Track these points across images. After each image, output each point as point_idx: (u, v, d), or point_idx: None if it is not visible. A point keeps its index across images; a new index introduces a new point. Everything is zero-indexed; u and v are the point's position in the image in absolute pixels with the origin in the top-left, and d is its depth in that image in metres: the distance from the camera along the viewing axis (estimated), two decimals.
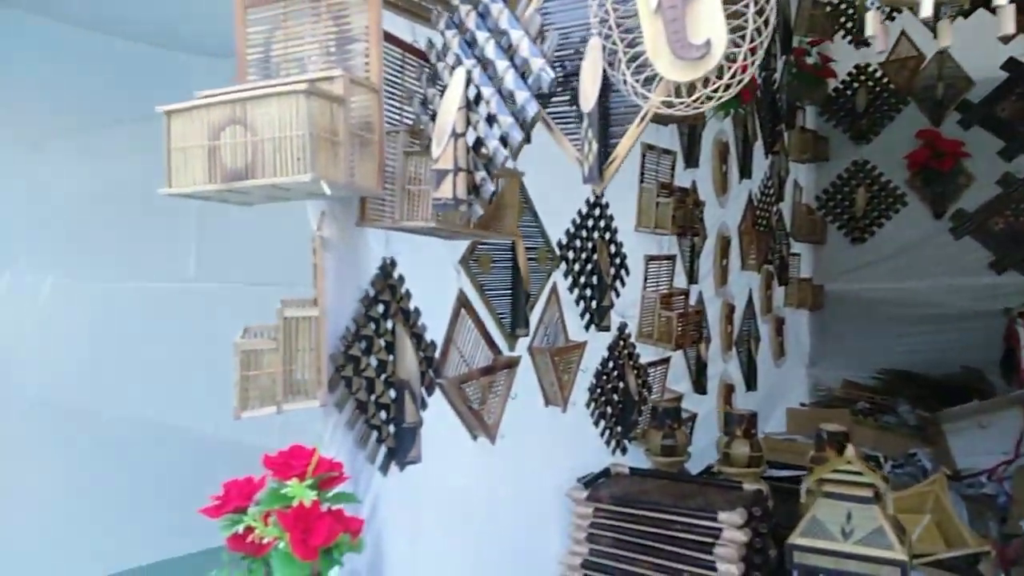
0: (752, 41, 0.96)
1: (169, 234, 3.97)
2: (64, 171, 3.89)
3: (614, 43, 1.08)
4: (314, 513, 1.10)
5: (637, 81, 1.06)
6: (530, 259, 2.13)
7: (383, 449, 1.61)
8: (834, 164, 4.46)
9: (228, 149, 1.24)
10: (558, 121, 1.31)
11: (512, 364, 2.03)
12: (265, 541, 1.07)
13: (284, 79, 1.30)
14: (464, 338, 1.93)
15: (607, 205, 2.49)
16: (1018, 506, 2.72)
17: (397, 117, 1.55)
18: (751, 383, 3.84)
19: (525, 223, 2.09)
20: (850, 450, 1.88)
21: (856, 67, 4.35)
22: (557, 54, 1.20)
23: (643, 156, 2.63)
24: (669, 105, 1.04)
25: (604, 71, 1.11)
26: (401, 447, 1.62)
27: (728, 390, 3.62)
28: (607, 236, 2.51)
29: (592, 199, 2.41)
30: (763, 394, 3.95)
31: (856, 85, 4.35)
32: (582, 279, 2.40)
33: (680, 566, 2.03)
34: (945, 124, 4.07)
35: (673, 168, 2.84)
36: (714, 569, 1.96)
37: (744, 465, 2.48)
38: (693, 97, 1.01)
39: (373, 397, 1.56)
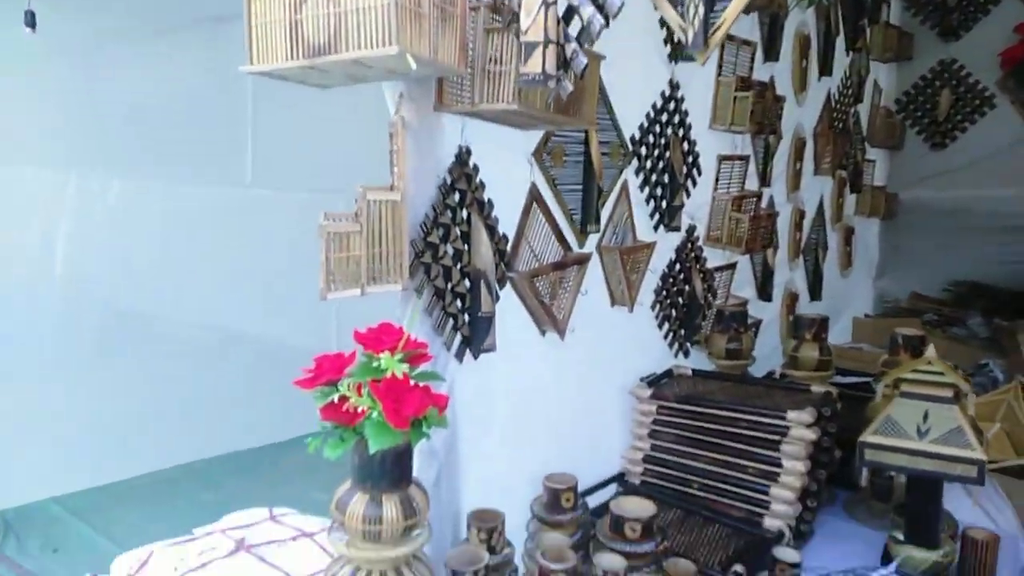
0: None
1: (227, 140, 4.02)
2: (123, 76, 3.91)
3: None
4: (405, 385, 1.12)
5: None
6: (603, 154, 2.08)
7: (458, 337, 1.63)
8: (918, 63, 4.17)
9: (310, 22, 1.20)
10: None
11: (582, 260, 2.01)
12: (359, 410, 1.10)
13: None
14: (535, 232, 1.92)
15: (683, 99, 2.39)
16: None
17: None
18: (816, 293, 3.76)
19: (599, 115, 2.02)
20: (931, 350, 1.83)
21: None
22: None
23: (722, 47, 2.49)
24: None
25: None
26: (476, 336, 1.64)
27: (792, 299, 3.55)
28: (681, 133, 2.42)
29: (668, 92, 2.32)
30: (827, 305, 3.86)
31: None
32: (654, 177, 2.34)
33: (744, 462, 2.05)
34: None
35: (752, 61, 2.69)
36: (780, 465, 1.98)
37: (812, 369, 2.46)
38: None
39: (450, 285, 1.57)
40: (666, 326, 2.58)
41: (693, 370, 2.49)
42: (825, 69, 3.32)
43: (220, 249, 3.99)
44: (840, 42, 3.51)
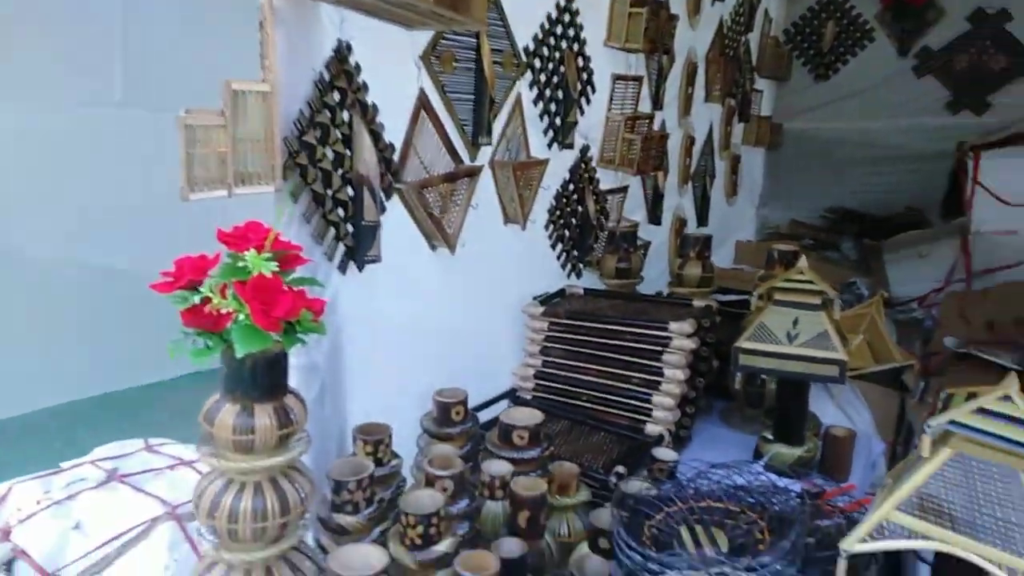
0: None
1: (92, 53, 3.64)
2: None
3: None
4: (275, 286, 1.06)
5: None
6: (495, 63, 2.01)
7: (341, 247, 1.56)
8: None
9: None
10: None
11: (473, 173, 1.96)
12: (224, 312, 1.04)
13: None
14: (424, 142, 1.85)
15: (577, 12, 2.34)
16: (942, 328, 2.90)
17: None
18: (703, 218, 3.89)
19: (491, 21, 1.95)
20: (802, 261, 1.92)
21: None
22: None
23: None
24: None
25: None
26: (360, 245, 1.58)
27: (681, 223, 3.66)
28: (576, 48, 2.38)
29: (562, 3, 2.26)
30: (713, 230, 4.00)
31: None
32: (548, 92, 2.30)
33: (629, 373, 2.11)
34: None
35: None
36: (661, 374, 2.05)
37: (696, 285, 2.55)
38: None
39: (330, 192, 1.49)
40: (559, 246, 2.60)
41: (585, 289, 2.53)
42: None
43: (86, 176, 3.66)
44: None
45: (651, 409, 2.05)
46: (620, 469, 1.74)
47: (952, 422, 1.12)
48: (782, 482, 1.67)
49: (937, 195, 3.89)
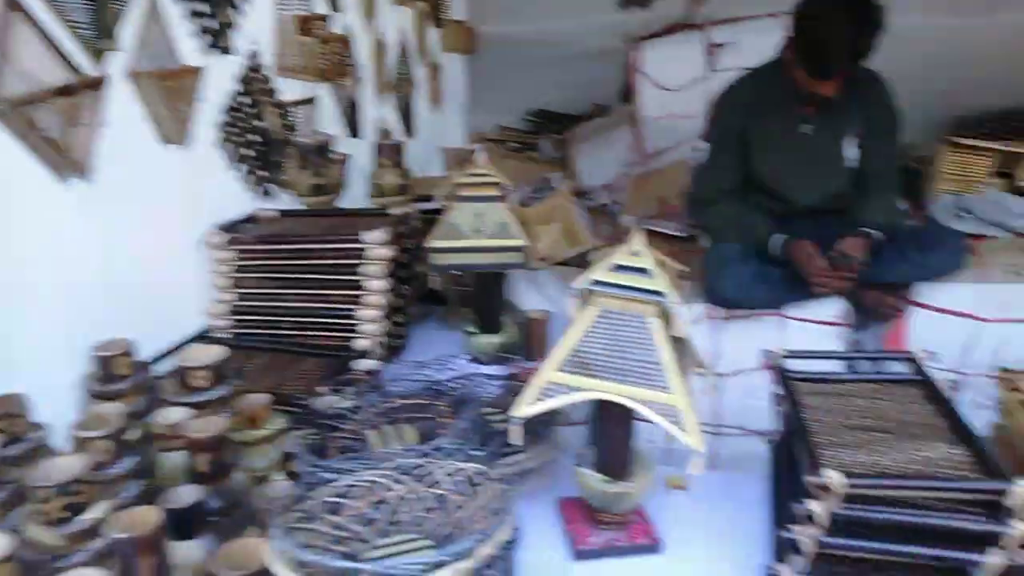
0: None
1: None
2: None
3: None
4: None
5: None
6: None
7: None
8: None
9: None
10: None
11: (97, 84, 1.66)
12: None
13: None
14: (22, 51, 1.50)
15: None
16: (625, 209, 3.19)
17: None
18: (409, 129, 3.82)
19: None
20: (480, 157, 1.94)
21: None
22: None
23: None
24: None
25: None
26: None
27: (386, 135, 3.56)
28: None
29: None
30: (423, 140, 3.98)
31: None
32: None
33: (330, 291, 2.02)
34: None
35: None
36: (360, 287, 1.99)
37: (394, 194, 2.50)
38: None
39: None
40: (243, 167, 2.36)
41: (280, 211, 2.35)
42: None
43: None
44: None
45: (356, 324, 1.99)
46: (320, 389, 1.66)
47: (594, 281, 1.19)
48: (484, 369, 1.72)
49: (618, 88, 4.20)
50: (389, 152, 2.46)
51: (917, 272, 2.21)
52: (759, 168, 2.34)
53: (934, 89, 3.85)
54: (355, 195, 2.79)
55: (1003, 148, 2.62)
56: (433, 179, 3.32)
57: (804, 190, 2.33)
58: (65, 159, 1.58)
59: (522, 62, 4.50)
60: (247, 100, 2.34)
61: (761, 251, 2.24)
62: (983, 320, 2.18)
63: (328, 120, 2.95)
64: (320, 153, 2.51)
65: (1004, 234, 2.42)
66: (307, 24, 2.53)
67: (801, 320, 2.24)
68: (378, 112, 3.47)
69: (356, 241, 1.99)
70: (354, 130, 3.16)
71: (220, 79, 2.18)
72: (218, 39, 2.13)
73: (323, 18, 2.65)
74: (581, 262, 2.77)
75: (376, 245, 1.99)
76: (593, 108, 4.41)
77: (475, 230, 1.85)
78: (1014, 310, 2.17)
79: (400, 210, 2.27)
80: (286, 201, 2.52)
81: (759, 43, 2.53)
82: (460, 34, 4.34)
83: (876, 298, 2.26)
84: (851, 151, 2.29)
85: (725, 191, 2.35)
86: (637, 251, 1.18)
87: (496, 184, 1.88)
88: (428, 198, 2.78)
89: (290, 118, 2.60)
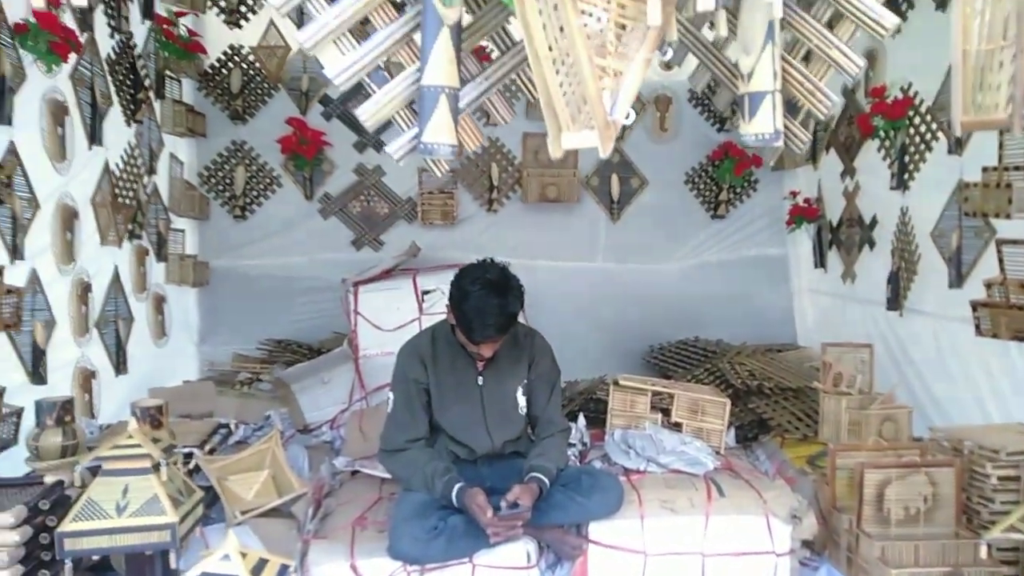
0: None
1: None
2: None
3: None
4: None
5: None
6: None
7: None
8: (214, 141, 4.49)
9: None
10: None
11: None
12: None
13: None
14: None
15: None
16: (347, 445, 3.18)
17: None
18: (120, 367, 3.60)
19: None
20: (131, 424, 1.86)
21: (230, 47, 4.45)
22: None
23: None
24: None
25: None
26: None
27: (88, 376, 3.31)
28: None
29: None
30: (142, 376, 3.75)
31: (231, 65, 4.45)
32: None
33: None
34: (310, 114, 4.50)
35: None
36: None
37: (59, 456, 2.28)
38: None
39: None
40: None
41: None
42: (96, 138, 3.24)
43: None
44: (117, 112, 3.49)
45: None
46: None
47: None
48: None
49: None
50: (52, 409, 2.27)
51: (582, 514, 2.40)
52: (440, 418, 2.50)
53: (628, 322, 4.57)
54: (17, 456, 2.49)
55: (660, 388, 3.04)
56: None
57: (481, 438, 2.51)
58: None
59: (258, 294, 4.57)
60: None
61: (447, 500, 2.31)
62: (647, 554, 2.38)
63: (7, 368, 2.70)
64: None
65: (658, 469, 2.73)
66: None
67: (492, 567, 2.30)
68: (78, 352, 3.24)
69: None
70: (39, 377, 2.90)
71: None
72: None
73: None
74: (288, 511, 2.66)
75: (3, 529, 1.76)
76: (333, 336, 4.51)
77: (120, 508, 1.72)
78: (672, 544, 2.40)
79: (56, 477, 2.05)
80: None
81: None
82: (187, 267, 4.31)
83: (558, 537, 2.41)
84: (521, 400, 2.54)
85: (412, 439, 2.45)
86: (229, 556, 1.16)
87: (146, 456, 1.79)
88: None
89: None
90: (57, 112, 2.94)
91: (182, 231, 4.34)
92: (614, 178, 4.71)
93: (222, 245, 4.57)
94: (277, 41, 4.44)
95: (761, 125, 1.61)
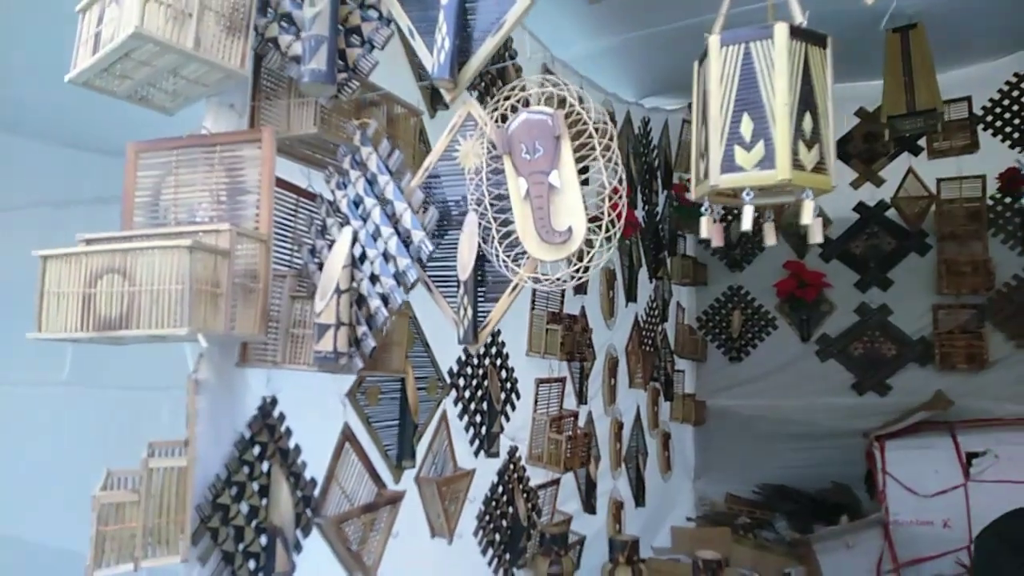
0: (607, 231, 1.08)
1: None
2: None
3: (488, 221, 1.18)
4: None
5: (508, 256, 1.15)
6: (420, 388, 2.16)
7: None
8: (712, 288, 4.80)
9: (104, 297, 1.23)
10: (438, 284, 1.38)
11: (395, 500, 2.00)
12: None
13: (169, 230, 1.32)
14: (347, 473, 1.91)
15: (499, 332, 2.57)
16: None
17: (287, 259, 1.59)
18: (640, 499, 3.91)
19: (415, 353, 2.12)
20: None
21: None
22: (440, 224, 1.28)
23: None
24: (536, 280, 1.14)
25: (479, 244, 1.21)
26: None
27: (617, 507, 3.67)
28: (498, 362, 2.58)
29: None
30: (652, 509, 4.02)
31: (730, 218, 4.74)
32: (472, 405, 2.44)
33: None
34: (808, 257, 4.49)
35: (563, 296, 2.98)
36: None
37: None
38: (556, 275, 1.11)
39: (241, 546, 1.50)
40: (490, 552, 2.56)
41: None
42: (631, 296, 3.73)
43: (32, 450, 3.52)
44: (644, 272, 3.99)
45: None
46: None
47: None
48: None
49: (858, 470, 4.04)
50: (623, 548, 2.54)
51: None
52: None
53: None
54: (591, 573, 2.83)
55: None
56: (667, 565, 3.28)
57: None
58: (359, 565, 1.87)
59: (750, 434, 4.57)
60: (501, 490, 2.63)
61: None
62: None
63: (567, 497, 3.16)
64: (558, 541, 2.65)
65: None
66: (559, 422, 2.87)
67: None
68: (612, 484, 3.64)
69: None
70: (589, 506, 3.32)
71: (485, 476, 2.50)
72: (487, 444, 2.50)
73: (574, 415, 3.00)
74: None
75: None
76: (833, 487, 4.22)
77: None
78: None
79: None
80: None
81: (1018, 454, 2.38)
82: (688, 406, 4.57)
83: None
84: None
85: None
86: None
87: None
88: None
89: (536, 501, 2.83)
90: (609, 279, 3.49)
91: (682, 371, 4.65)
92: None
93: (717, 385, 4.75)
94: None
95: None
